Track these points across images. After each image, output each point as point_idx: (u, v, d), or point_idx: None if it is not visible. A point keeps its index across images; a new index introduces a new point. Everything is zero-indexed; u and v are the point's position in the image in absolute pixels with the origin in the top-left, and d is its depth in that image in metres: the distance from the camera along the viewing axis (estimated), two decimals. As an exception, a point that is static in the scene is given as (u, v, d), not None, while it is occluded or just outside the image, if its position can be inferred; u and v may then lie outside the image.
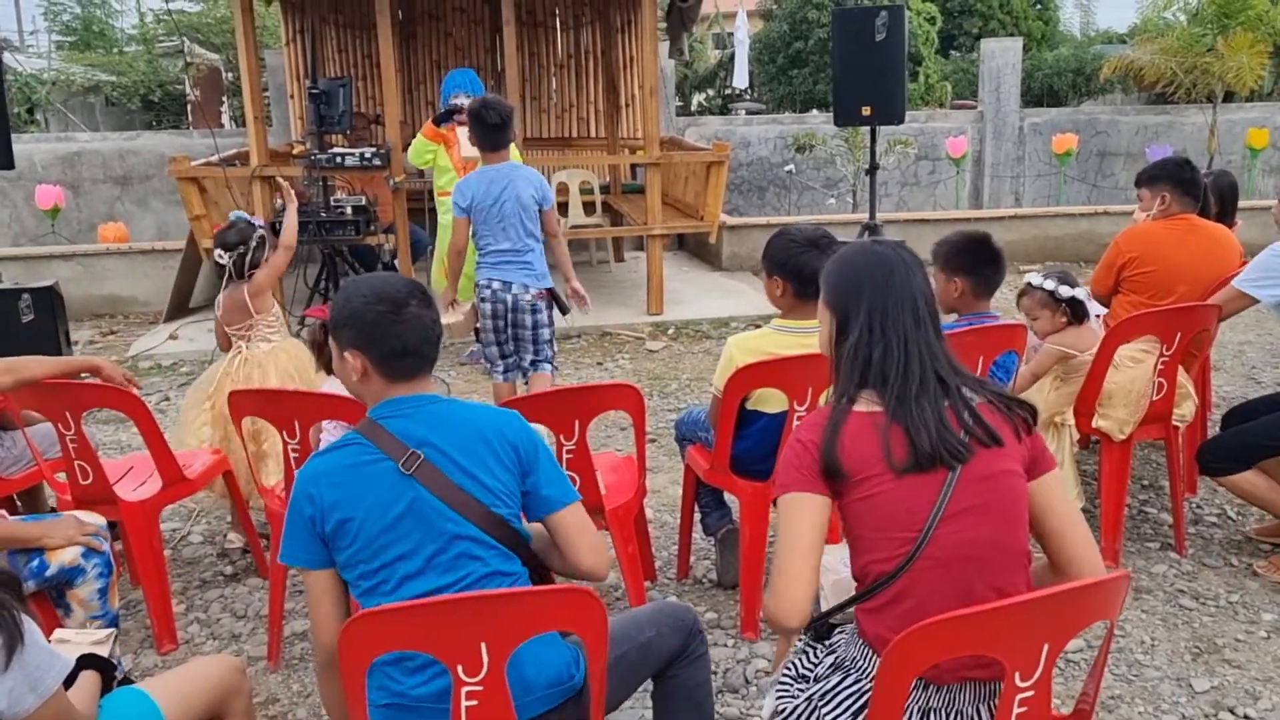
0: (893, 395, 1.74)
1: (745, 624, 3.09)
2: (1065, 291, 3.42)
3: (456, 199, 4.43)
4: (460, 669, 1.67)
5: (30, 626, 1.63)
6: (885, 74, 6.04)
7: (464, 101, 5.39)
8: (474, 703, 1.69)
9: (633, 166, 10.18)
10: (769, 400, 2.99)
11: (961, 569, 1.69)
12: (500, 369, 4.56)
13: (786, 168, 11.25)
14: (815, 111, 13.58)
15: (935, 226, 8.43)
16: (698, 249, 9.34)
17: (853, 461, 1.71)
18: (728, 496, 3.43)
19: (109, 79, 16.11)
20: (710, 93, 19.01)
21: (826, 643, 1.86)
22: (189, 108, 15.91)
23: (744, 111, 14.74)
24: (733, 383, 2.92)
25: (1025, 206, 11.46)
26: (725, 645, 3.05)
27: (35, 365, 2.99)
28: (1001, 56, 11.92)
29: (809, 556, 1.70)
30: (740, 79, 8.10)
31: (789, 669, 1.85)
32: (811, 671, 1.83)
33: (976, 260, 3.21)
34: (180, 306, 7.63)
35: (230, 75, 16.00)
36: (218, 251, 3.72)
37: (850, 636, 1.83)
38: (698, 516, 3.49)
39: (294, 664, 3.04)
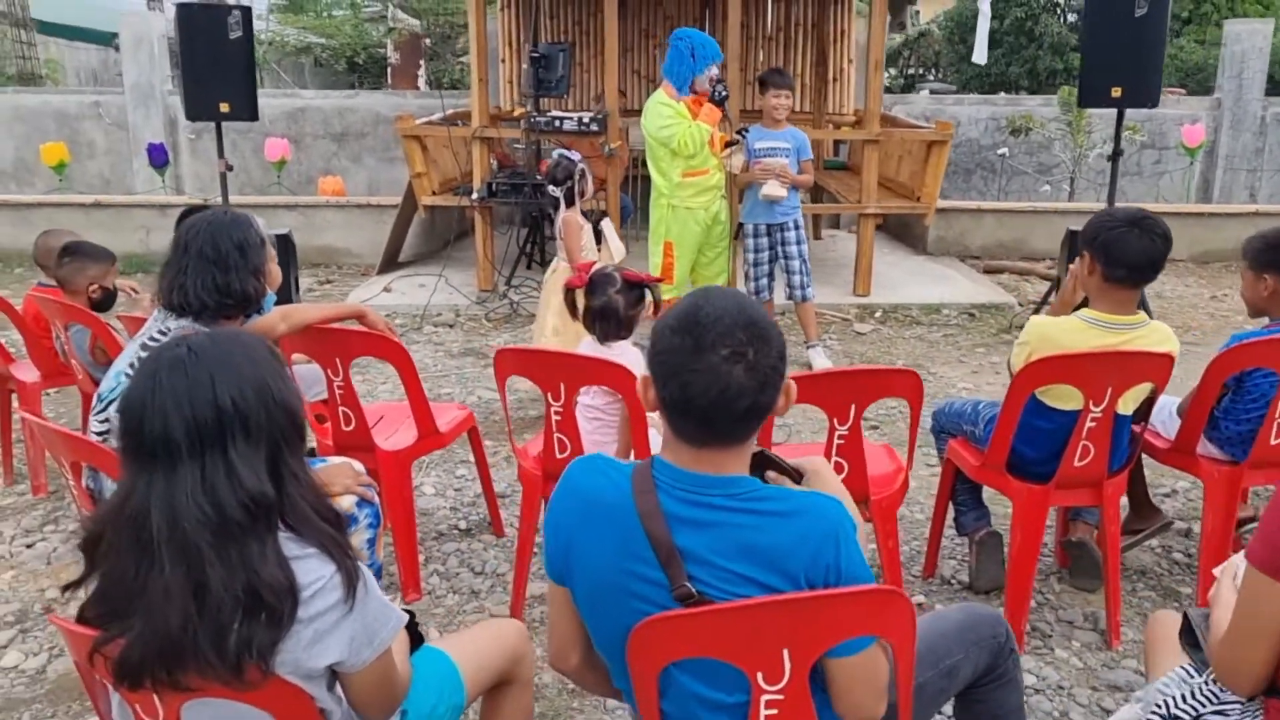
0: None
1: (1009, 635, 2.88)
2: None
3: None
4: (760, 676, 1.55)
5: (368, 574, 1.58)
6: (1142, 52, 5.56)
7: (716, 72, 5.16)
8: (773, 712, 1.57)
9: (835, 142, 9.86)
10: (1064, 395, 2.74)
11: None
12: None
13: (1000, 150, 10.69)
14: (1021, 94, 12.88)
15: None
16: (899, 231, 8.97)
17: None
18: (988, 494, 3.21)
19: (319, 41, 16.86)
20: (893, 71, 18.25)
21: (1219, 701, 1.60)
22: (389, 70, 16.48)
23: (929, 91, 14.12)
24: (1024, 375, 2.69)
25: (1262, 203, 10.52)
26: (987, 655, 2.85)
27: (308, 311, 3.08)
28: (1248, 40, 10.93)
29: (1269, 640, 1.49)
30: (980, 55, 7.67)
31: (1159, 707, 1.63)
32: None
33: None
34: (391, 260, 7.85)
35: (428, 41, 16.44)
36: (550, 186, 4.69)
37: (1247, 710, 1.58)
38: (951, 514, 3.29)
39: (535, 626, 3.01)
